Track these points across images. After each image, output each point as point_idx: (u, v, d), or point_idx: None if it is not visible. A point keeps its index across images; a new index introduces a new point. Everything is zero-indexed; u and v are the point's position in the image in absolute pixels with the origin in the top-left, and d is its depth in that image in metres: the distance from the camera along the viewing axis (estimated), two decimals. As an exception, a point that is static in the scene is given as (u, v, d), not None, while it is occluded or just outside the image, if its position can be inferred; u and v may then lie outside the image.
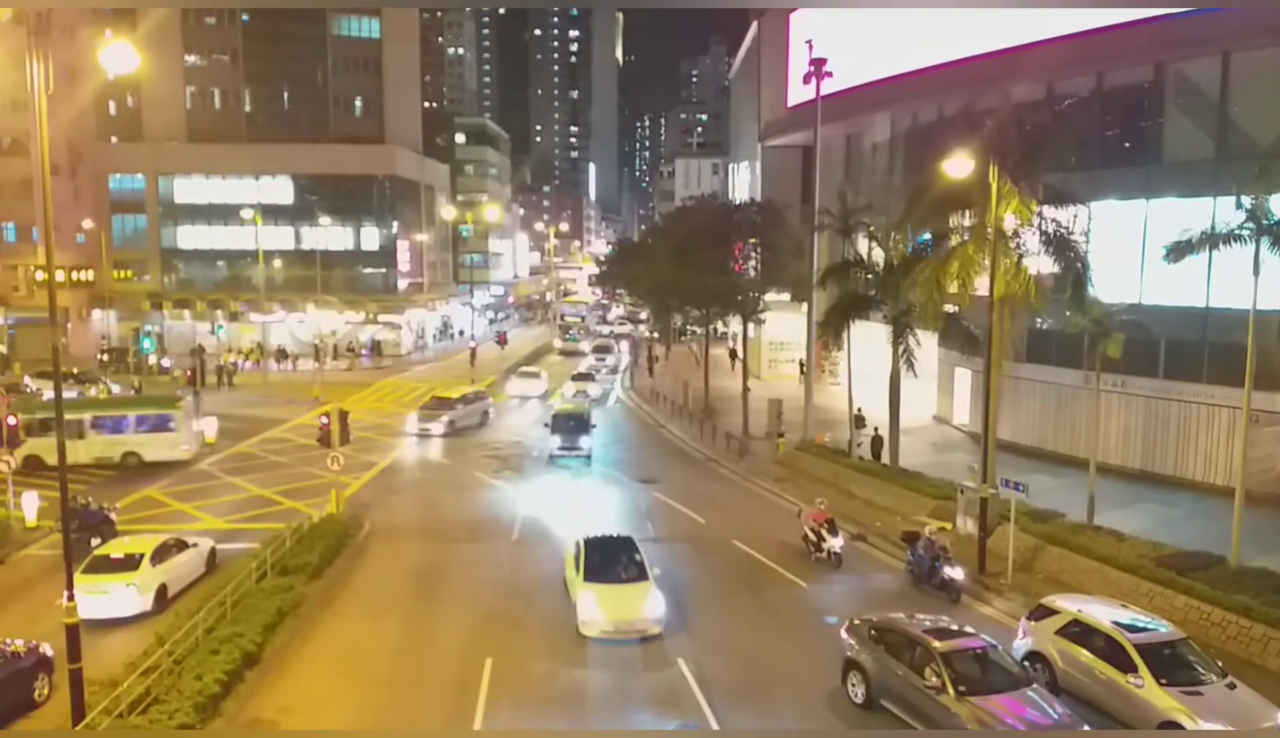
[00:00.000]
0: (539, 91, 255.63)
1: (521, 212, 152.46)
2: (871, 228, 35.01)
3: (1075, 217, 26.00)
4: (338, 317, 72.06)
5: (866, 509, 29.25)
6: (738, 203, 57.07)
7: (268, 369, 62.02)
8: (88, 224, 67.68)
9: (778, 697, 17.26)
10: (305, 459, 36.26)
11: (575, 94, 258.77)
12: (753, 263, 46.96)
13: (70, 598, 15.24)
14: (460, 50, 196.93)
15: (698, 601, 21.86)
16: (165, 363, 60.82)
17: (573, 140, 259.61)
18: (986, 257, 24.04)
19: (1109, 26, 32.37)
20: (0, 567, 24.53)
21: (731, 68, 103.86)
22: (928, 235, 30.21)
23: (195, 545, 23.46)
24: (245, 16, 75.80)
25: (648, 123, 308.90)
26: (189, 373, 43.47)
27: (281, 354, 66.17)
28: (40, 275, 62.51)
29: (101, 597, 20.15)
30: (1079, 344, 29.98)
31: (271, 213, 70.38)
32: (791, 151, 60.37)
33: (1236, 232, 21.54)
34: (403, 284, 77.45)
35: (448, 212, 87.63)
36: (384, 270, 76.40)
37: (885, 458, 33.74)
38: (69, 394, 43.41)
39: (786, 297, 49.65)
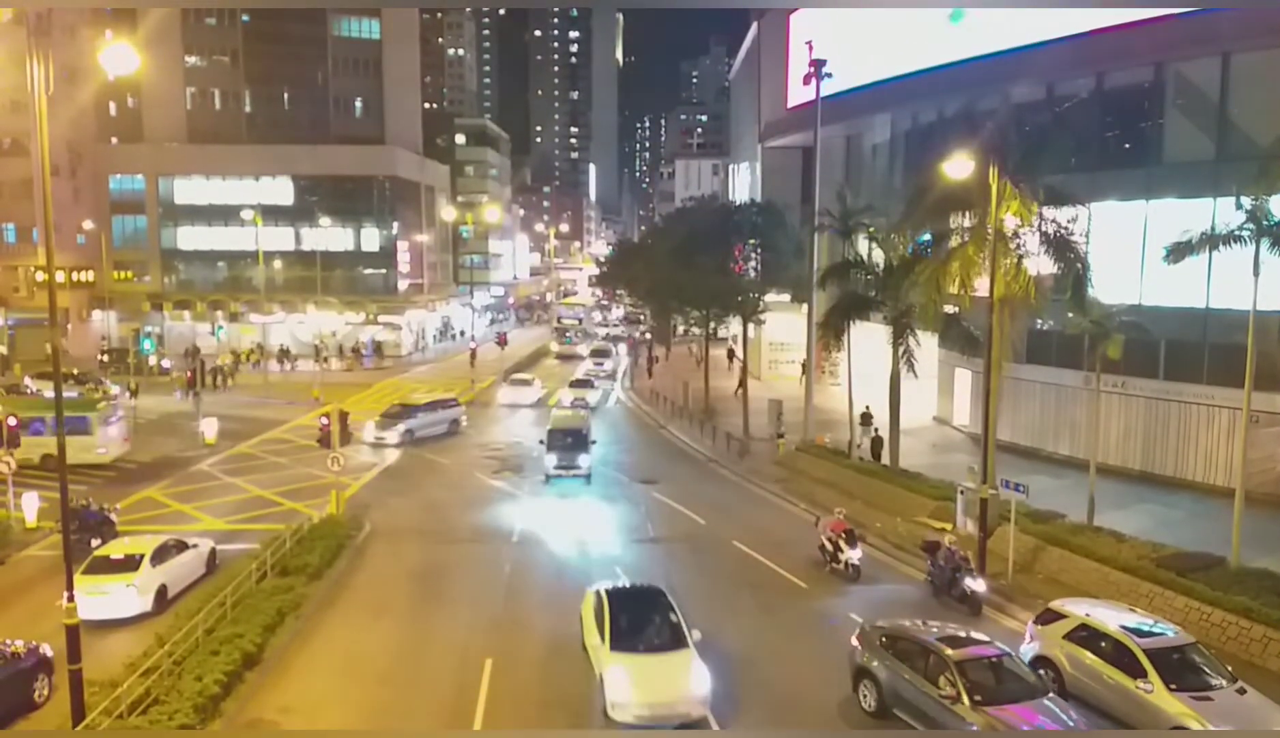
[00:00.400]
0: (539, 92, 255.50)
1: (521, 212, 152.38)
2: (871, 229, 35.05)
3: (1075, 217, 25.93)
4: (338, 318, 71.96)
5: (866, 510, 29.20)
6: (738, 204, 56.95)
7: (268, 370, 62.03)
8: (88, 225, 67.63)
9: (787, 705, 17.05)
10: (305, 460, 36.26)
11: (575, 95, 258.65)
12: (753, 264, 46.95)
13: (70, 599, 15.24)
14: (460, 51, 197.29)
15: (698, 600, 21.73)
16: (165, 364, 60.80)
17: (573, 141, 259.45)
18: (986, 257, 24.00)
19: (1109, 27, 32.36)
20: (0, 568, 24.52)
21: (731, 69, 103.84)
22: (928, 236, 30.16)
23: (195, 546, 23.48)
24: (245, 17, 75.84)
25: (648, 124, 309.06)
26: (189, 374, 43.33)
27: (282, 355, 66.17)
28: (40, 276, 62.47)
29: (101, 598, 20.14)
30: (1079, 345, 30.00)
31: (272, 214, 70.29)
32: (791, 152, 60.30)
33: (1236, 232, 21.56)
34: (403, 285, 77.38)
35: (448, 212, 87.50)
36: (384, 271, 76.31)
37: (885, 459, 33.74)
38: (69, 394, 43.22)
39: (786, 297, 49.65)
